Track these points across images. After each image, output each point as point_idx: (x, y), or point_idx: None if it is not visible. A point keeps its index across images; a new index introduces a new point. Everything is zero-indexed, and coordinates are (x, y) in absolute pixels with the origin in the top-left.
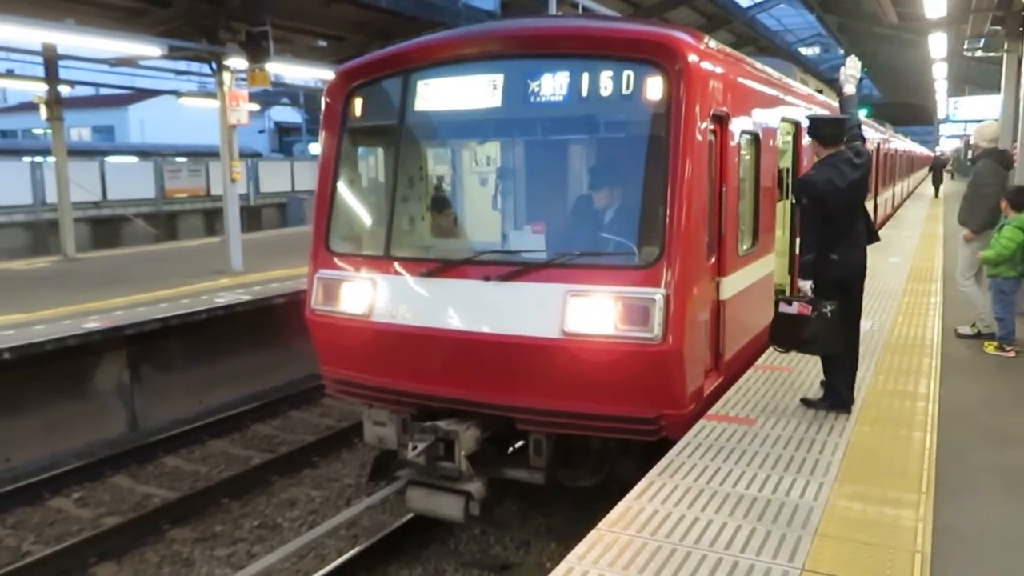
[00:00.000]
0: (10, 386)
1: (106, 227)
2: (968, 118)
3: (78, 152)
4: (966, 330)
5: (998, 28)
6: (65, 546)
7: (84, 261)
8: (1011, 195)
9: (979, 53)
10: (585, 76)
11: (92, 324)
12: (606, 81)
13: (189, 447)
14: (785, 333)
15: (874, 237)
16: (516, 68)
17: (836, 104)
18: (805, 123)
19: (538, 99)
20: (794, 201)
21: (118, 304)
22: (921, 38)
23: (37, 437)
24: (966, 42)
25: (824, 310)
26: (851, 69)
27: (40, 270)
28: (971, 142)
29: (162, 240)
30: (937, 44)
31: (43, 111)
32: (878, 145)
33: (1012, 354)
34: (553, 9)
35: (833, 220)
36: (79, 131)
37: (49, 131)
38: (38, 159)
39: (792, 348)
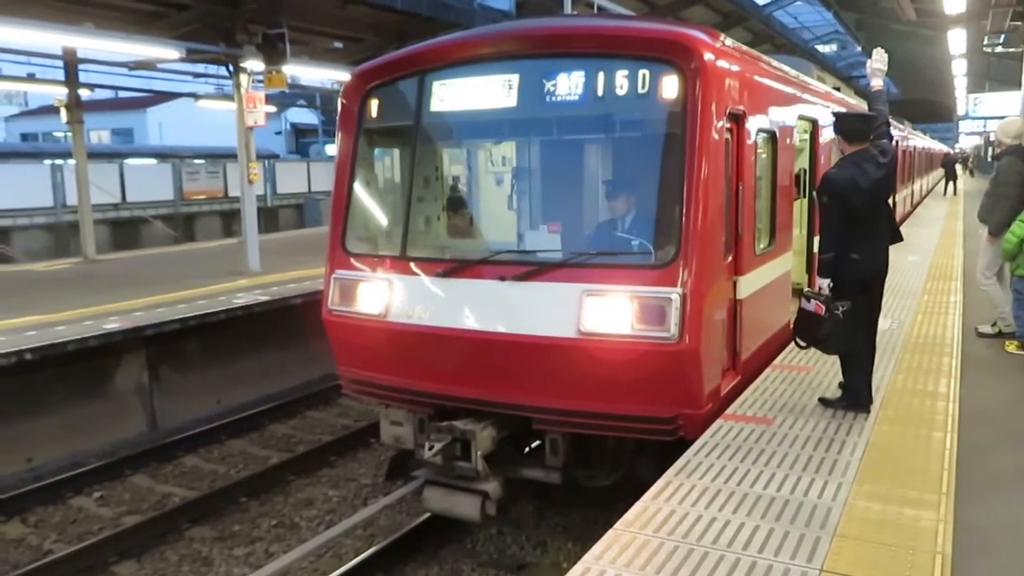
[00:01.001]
0: (32, 386)
1: (125, 229)
2: (988, 115)
3: (98, 155)
4: (987, 329)
5: (1018, 23)
6: (86, 545)
7: (104, 263)
8: None
9: (999, 49)
10: (601, 75)
11: (112, 325)
12: (622, 80)
13: (208, 447)
14: (806, 329)
15: (897, 237)
16: (531, 68)
17: (853, 102)
18: (822, 121)
19: (554, 99)
20: (816, 197)
21: (138, 305)
22: (940, 34)
23: (58, 437)
24: (986, 38)
25: (836, 311)
26: (878, 63)
27: (61, 271)
28: (993, 139)
29: (180, 241)
30: (956, 40)
31: (63, 114)
32: (896, 143)
33: None
34: (568, 8)
35: (855, 219)
36: (99, 134)
37: (69, 134)
38: (59, 162)
39: (811, 345)
